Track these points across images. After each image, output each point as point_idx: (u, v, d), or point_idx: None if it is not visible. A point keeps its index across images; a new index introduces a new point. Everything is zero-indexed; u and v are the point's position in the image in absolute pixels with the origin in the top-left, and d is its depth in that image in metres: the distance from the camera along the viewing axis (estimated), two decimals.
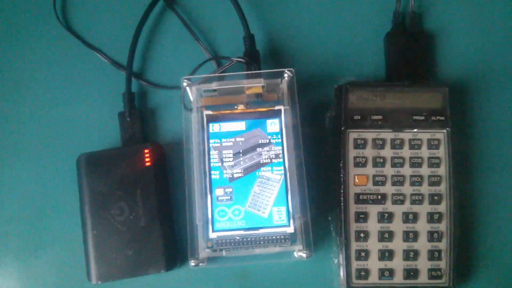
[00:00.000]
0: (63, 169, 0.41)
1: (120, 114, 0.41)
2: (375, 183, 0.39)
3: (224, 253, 0.34)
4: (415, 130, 0.39)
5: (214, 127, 0.37)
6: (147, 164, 0.39)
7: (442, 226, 0.39)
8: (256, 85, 0.37)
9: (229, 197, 0.36)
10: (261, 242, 0.35)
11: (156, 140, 0.42)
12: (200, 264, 0.36)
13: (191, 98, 0.37)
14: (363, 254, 0.38)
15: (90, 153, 0.39)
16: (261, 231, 0.35)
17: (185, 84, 0.37)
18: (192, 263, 0.34)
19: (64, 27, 0.44)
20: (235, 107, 0.37)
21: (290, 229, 0.35)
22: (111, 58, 0.43)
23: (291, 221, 0.35)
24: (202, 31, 0.44)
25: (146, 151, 0.39)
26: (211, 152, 0.36)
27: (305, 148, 0.40)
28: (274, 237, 0.35)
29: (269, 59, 0.43)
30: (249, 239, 0.35)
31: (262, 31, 0.43)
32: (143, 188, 0.38)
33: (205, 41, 0.44)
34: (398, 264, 0.38)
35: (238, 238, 0.35)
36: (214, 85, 0.36)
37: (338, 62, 0.43)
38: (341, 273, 0.38)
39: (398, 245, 0.38)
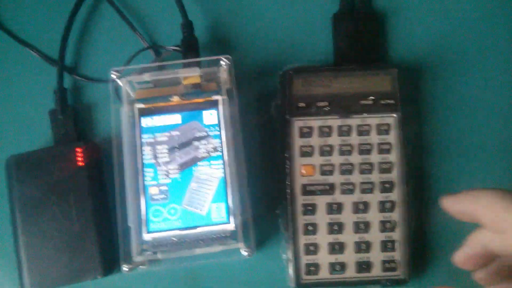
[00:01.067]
0: None
1: (51, 112, 0.39)
2: (323, 172, 0.37)
3: (159, 255, 0.32)
4: (363, 115, 0.37)
5: (147, 121, 0.35)
6: (80, 164, 0.36)
7: (395, 215, 0.37)
8: (192, 75, 0.34)
9: (164, 196, 0.33)
10: (200, 242, 0.33)
11: (93, 139, 0.39)
12: (141, 267, 0.34)
13: (123, 92, 0.35)
14: (312, 248, 0.36)
15: (19, 154, 0.37)
16: (199, 229, 0.33)
17: (113, 76, 0.34)
18: (125, 268, 0.32)
19: None
20: (170, 99, 0.35)
21: (231, 226, 0.33)
22: (43, 53, 0.41)
23: (231, 218, 0.33)
24: (139, 20, 0.41)
25: (79, 150, 0.36)
26: (144, 148, 0.34)
27: (251, 140, 0.38)
28: (213, 236, 0.33)
29: (210, 47, 0.40)
30: (187, 239, 0.33)
31: (203, 18, 0.41)
32: (76, 190, 0.36)
33: (142, 30, 0.41)
34: (349, 257, 0.37)
35: (174, 238, 0.33)
36: (146, 76, 0.34)
37: (285, 48, 0.41)
38: (290, 269, 0.36)
39: (349, 237, 0.37)
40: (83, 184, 0.36)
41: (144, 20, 0.41)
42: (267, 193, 0.38)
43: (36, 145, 0.38)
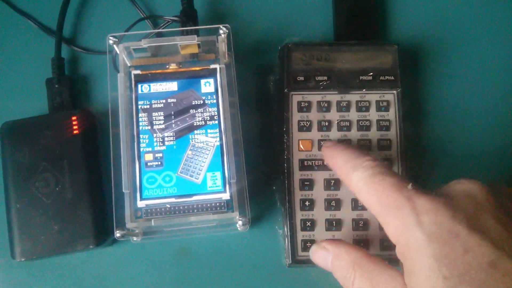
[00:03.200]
0: None
1: (48, 81, 0.38)
2: (321, 148, 0.36)
3: (152, 222, 0.31)
4: (363, 91, 0.37)
5: (143, 88, 0.34)
6: (75, 132, 0.36)
7: None
8: (190, 43, 0.34)
9: (159, 163, 0.33)
10: (195, 210, 0.32)
11: (89, 108, 0.39)
12: (134, 238, 0.33)
13: (119, 58, 0.34)
14: (308, 224, 0.35)
15: (14, 121, 0.36)
16: (194, 198, 0.32)
17: (111, 42, 0.34)
18: (117, 233, 0.31)
19: None
20: (167, 66, 0.35)
21: (226, 195, 0.32)
22: (41, 23, 0.40)
23: (227, 187, 0.32)
24: None
25: (74, 118, 0.36)
26: (140, 115, 0.34)
27: (250, 115, 0.38)
28: (208, 204, 0.32)
29: (209, 22, 0.40)
30: (181, 207, 0.32)
31: None
32: (70, 158, 0.35)
33: (141, 1, 0.41)
34: (347, 234, 0.36)
35: (168, 206, 0.32)
36: (143, 43, 0.34)
37: (284, 24, 0.41)
38: (286, 245, 0.36)
39: (346, 214, 0.36)
40: (78, 152, 0.35)
41: None
42: (264, 168, 0.38)
43: (32, 114, 0.38)
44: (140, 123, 0.33)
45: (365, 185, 0.27)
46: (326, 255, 0.29)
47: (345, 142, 0.36)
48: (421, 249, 0.24)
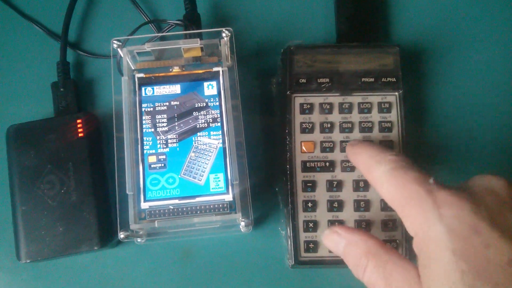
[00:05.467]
0: None
1: (53, 84, 0.39)
2: (323, 149, 0.37)
3: (156, 224, 0.32)
4: (365, 93, 0.37)
5: (147, 91, 0.35)
6: (80, 135, 0.36)
7: None
8: (193, 46, 0.34)
9: (162, 165, 0.33)
10: (198, 211, 0.32)
11: (93, 111, 0.39)
12: (138, 239, 0.34)
13: (123, 61, 0.35)
14: (311, 225, 0.36)
15: (19, 124, 0.37)
16: (197, 199, 0.33)
17: (115, 45, 0.34)
18: (121, 235, 0.32)
19: None
20: (170, 69, 0.35)
21: (229, 197, 0.33)
22: (47, 28, 0.41)
23: (230, 188, 0.33)
24: None
25: (79, 121, 0.36)
26: (144, 117, 0.34)
27: (252, 117, 0.38)
28: (211, 206, 0.33)
29: (212, 25, 0.41)
30: (184, 208, 0.32)
31: None
32: (75, 161, 0.36)
33: (145, 6, 0.41)
34: None
35: (172, 207, 0.32)
36: (147, 46, 0.34)
37: (286, 27, 0.41)
38: (289, 246, 0.36)
39: (349, 215, 0.36)
40: (83, 155, 0.36)
41: None
42: (266, 169, 0.38)
43: (37, 117, 0.38)
44: (144, 126, 0.34)
45: (387, 178, 0.27)
46: (338, 240, 0.29)
47: (369, 141, 0.36)
48: (440, 242, 0.23)
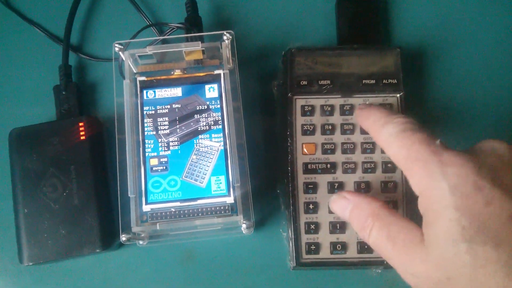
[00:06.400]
0: None
1: (55, 88, 0.39)
2: (324, 151, 0.37)
3: (158, 226, 0.32)
4: (366, 95, 0.37)
5: (149, 94, 0.35)
6: (82, 138, 0.36)
7: (397, 196, 0.36)
8: (195, 49, 0.34)
9: (164, 167, 0.33)
10: (199, 214, 0.32)
11: (95, 115, 0.39)
12: (140, 242, 0.34)
13: (125, 64, 0.35)
14: (312, 227, 0.36)
15: (22, 127, 0.37)
16: (198, 201, 0.33)
17: (117, 49, 0.34)
18: (123, 237, 0.32)
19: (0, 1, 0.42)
20: (172, 72, 0.35)
21: (230, 199, 0.33)
22: (49, 32, 0.41)
23: (231, 191, 0.33)
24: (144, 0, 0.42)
25: (81, 124, 0.37)
26: (145, 120, 0.34)
27: (254, 119, 0.38)
28: (213, 208, 0.33)
29: (213, 28, 0.41)
30: (186, 210, 0.32)
31: None
32: (77, 164, 0.36)
33: (146, 9, 0.41)
34: (351, 237, 0.36)
35: (173, 210, 0.32)
36: (148, 49, 0.34)
37: (287, 30, 0.41)
38: (290, 248, 0.36)
39: None
40: (85, 158, 0.36)
41: (148, 0, 0.42)
42: (268, 171, 0.38)
43: (40, 120, 0.38)
44: (146, 129, 0.34)
45: (394, 139, 0.27)
46: (345, 205, 0.30)
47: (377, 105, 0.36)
48: (443, 200, 0.24)
